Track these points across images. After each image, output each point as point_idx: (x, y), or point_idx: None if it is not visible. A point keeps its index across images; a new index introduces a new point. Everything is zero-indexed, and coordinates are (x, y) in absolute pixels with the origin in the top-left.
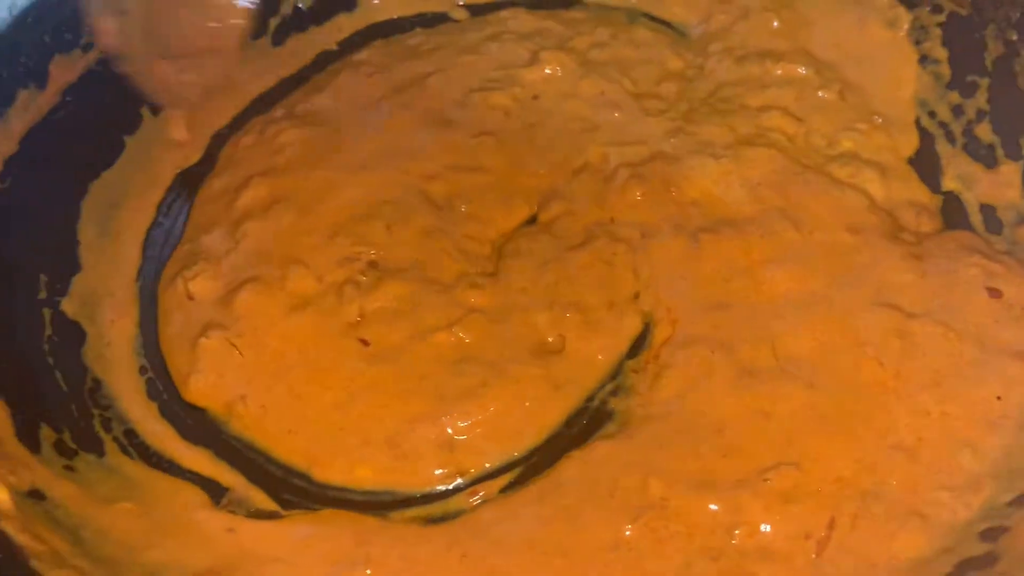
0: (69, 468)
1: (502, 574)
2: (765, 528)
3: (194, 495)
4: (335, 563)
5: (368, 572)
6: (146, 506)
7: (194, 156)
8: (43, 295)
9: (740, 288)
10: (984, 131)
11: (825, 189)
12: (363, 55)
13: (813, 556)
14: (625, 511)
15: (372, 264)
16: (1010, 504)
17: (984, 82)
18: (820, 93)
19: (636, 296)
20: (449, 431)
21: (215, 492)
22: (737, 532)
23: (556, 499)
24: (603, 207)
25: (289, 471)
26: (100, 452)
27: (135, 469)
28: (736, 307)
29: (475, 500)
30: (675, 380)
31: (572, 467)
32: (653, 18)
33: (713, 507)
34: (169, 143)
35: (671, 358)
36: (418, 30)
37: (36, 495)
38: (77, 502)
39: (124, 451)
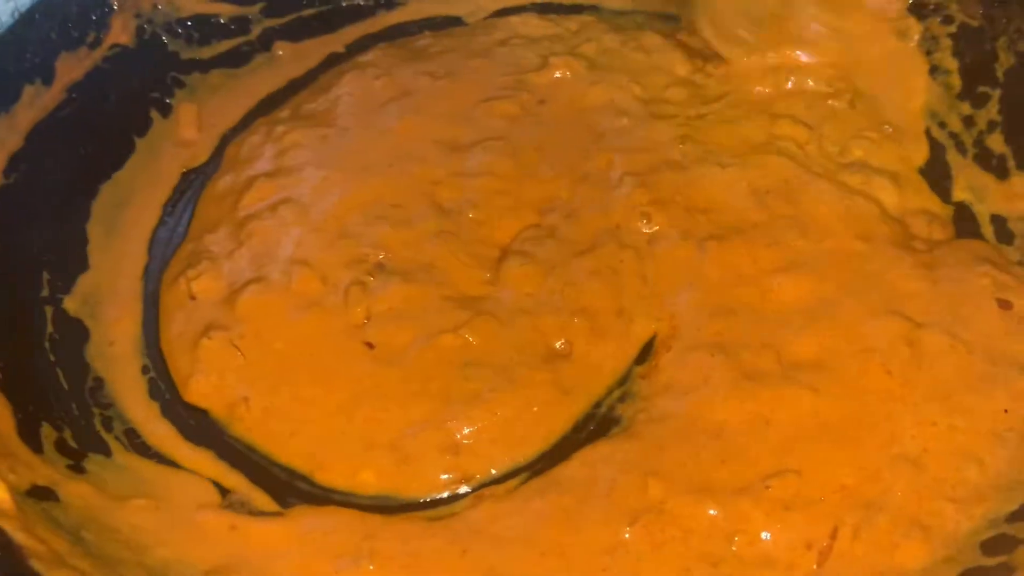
0: (76, 468)
1: (501, 572)
2: (765, 536)
3: (203, 490)
4: (339, 557)
5: (371, 567)
6: (158, 500)
7: (202, 156)
8: (45, 292)
9: (746, 295)
10: (996, 142)
11: (836, 197)
12: (370, 57)
13: (814, 566)
14: (624, 512)
15: (379, 266)
16: (1012, 516)
17: (995, 93)
18: (830, 102)
19: (643, 302)
20: (456, 436)
21: (219, 491)
22: (737, 539)
23: (556, 497)
24: (610, 213)
25: (292, 474)
26: (107, 452)
27: (143, 465)
28: (742, 313)
29: (479, 505)
30: (677, 384)
31: (572, 465)
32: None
33: (712, 512)
34: (178, 143)
35: (674, 363)
36: (426, 33)
37: (45, 494)
38: (90, 501)
39: (126, 450)
